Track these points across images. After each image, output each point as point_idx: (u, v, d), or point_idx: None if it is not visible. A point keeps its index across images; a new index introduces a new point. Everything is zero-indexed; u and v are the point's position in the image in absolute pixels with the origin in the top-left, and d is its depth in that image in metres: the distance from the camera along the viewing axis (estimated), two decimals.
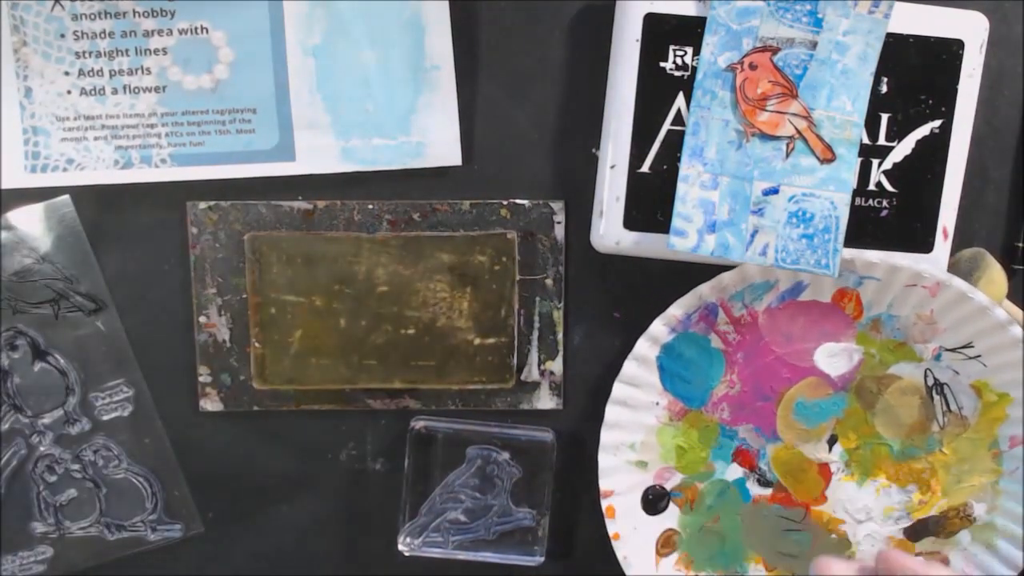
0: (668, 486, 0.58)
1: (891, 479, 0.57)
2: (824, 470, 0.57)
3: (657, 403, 0.57)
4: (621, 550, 0.56)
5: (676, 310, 0.54)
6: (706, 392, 0.57)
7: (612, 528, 0.56)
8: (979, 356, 0.55)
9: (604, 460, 0.56)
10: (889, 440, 0.57)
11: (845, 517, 0.58)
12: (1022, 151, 0.55)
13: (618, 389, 0.55)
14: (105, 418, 0.58)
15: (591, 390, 0.58)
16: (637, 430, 0.56)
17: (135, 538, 0.59)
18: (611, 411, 0.55)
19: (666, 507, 0.58)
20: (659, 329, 0.55)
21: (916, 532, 0.58)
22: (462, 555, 0.57)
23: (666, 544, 0.58)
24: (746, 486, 0.58)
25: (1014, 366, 0.54)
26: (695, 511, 0.58)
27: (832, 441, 0.57)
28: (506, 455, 0.56)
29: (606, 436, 0.56)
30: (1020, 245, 0.56)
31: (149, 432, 0.58)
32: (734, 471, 0.58)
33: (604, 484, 0.56)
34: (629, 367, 0.55)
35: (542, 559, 0.57)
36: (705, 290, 0.54)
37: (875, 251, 0.53)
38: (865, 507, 0.58)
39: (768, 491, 0.58)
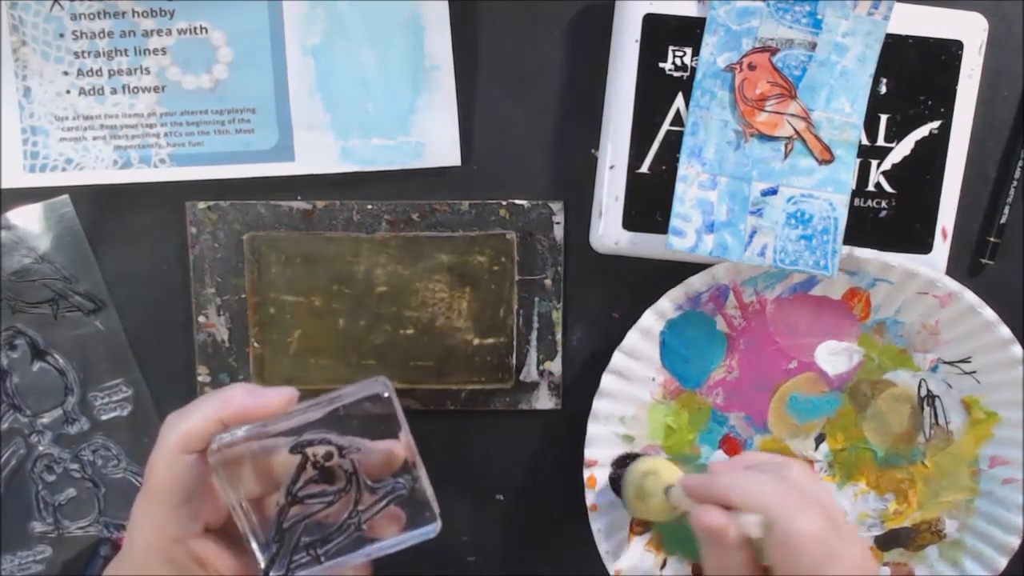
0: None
1: (871, 485, 0.57)
2: None
3: (653, 379, 0.56)
4: (596, 523, 0.56)
5: (687, 287, 0.54)
6: (704, 374, 0.57)
7: (591, 499, 0.56)
8: (974, 372, 0.55)
9: (592, 429, 0.55)
10: (875, 446, 0.57)
11: None
12: (1017, 151, 0.55)
13: (617, 359, 0.55)
14: (104, 418, 0.58)
15: (590, 390, 0.58)
16: (630, 403, 0.56)
17: None
18: (607, 380, 0.55)
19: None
20: (666, 305, 0.54)
21: (887, 541, 0.57)
22: (346, 562, 0.44)
23: (641, 523, 0.58)
24: None
25: (1008, 386, 0.54)
26: None
27: (820, 440, 0.57)
28: (331, 435, 0.43)
29: (598, 404, 0.55)
30: (991, 240, 0.56)
31: (148, 432, 0.58)
32: (719, 458, 0.57)
33: (589, 453, 0.56)
34: (631, 338, 0.54)
35: (438, 523, 0.44)
36: (720, 271, 0.53)
37: (893, 255, 0.53)
38: (841, 510, 0.57)
39: None
